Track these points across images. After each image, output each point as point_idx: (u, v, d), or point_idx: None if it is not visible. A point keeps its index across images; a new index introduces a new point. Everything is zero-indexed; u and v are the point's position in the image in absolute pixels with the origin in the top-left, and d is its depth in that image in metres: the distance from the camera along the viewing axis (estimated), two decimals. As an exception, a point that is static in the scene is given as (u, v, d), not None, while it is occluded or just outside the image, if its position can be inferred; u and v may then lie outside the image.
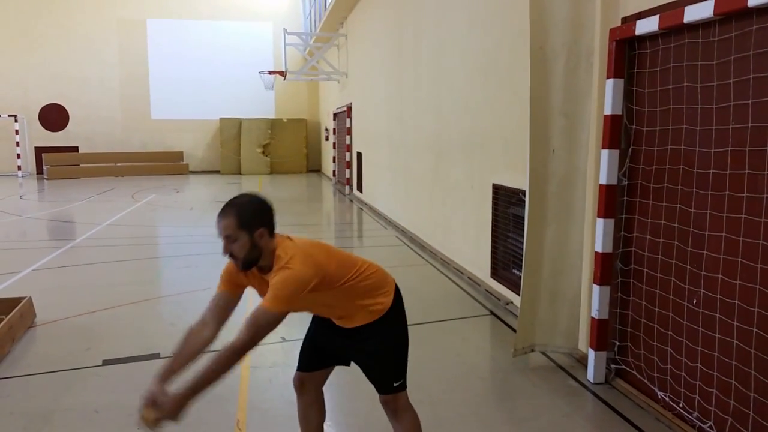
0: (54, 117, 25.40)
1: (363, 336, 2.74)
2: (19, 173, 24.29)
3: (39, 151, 24.93)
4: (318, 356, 2.92)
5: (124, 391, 4.26)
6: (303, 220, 12.87)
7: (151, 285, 7.48)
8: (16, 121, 24.19)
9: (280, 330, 5.79)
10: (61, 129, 25.54)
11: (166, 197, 17.12)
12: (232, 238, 2.38)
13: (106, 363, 4.76)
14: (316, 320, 2.92)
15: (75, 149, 25.44)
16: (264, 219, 2.45)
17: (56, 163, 23.80)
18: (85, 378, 4.50)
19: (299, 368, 2.96)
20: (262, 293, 2.50)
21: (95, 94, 25.54)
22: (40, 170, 24.64)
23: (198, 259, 8.74)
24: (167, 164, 25.52)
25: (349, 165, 17.64)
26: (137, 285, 7.28)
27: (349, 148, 17.56)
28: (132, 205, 15.19)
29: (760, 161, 3.05)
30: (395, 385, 2.77)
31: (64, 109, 25.44)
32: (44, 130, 25.34)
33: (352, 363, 2.94)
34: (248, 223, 2.40)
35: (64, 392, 4.24)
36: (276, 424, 3.81)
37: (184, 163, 25.98)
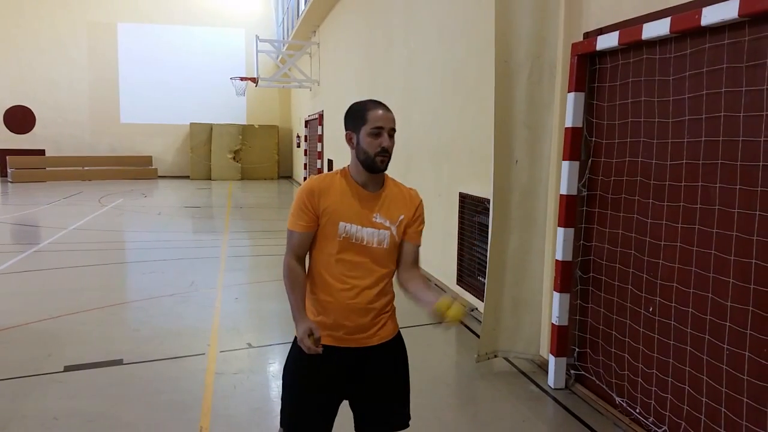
0: (20, 119, 24.87)
1: (394, 353, 2.48)
2: (-18, 176, 23.76)
3: (3, 153, 24.37)
4: (330, 414, 2.44)
5: (86, 397, 4.22)
6: (272, 227, 12.81)
7: (116, 290, 7.38)
8: (-21, 122, 23.67)
9: (247, 336, 5.78)
10: (27, 131, 25.02)
11: (134, 202, 16.90)
12: (394, 133, 2.32)
13: (67, 369, 4.70)
14: (318, 371, 2.36)
15: (41, 152, 24.95)
16: None
17: (21, 166, 23.30)
18: (46, 384, 4.44)
19: None
20: (351, 212, 2.32)
21: (63, 97, 25.10)
22: (4, 173, 24.10)
23: (164, 264, 8.65)
24: (136, 169, 25.19)
25: (320, 172, 17.64)
26: (102, 290, 7.18)
27: (320, 155, 17.58)
28: (99, 209, 14.96)
29: (712, 174, 3.17)
30: (406, 412, 2.51)
31: (31, 111, 24.95)
32: (9, 132, 24.81)
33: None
34: None
35: (23, 399, 4.17)
36: (240, 430, 3.80)
37: (153, 167, 25.67)
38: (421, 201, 2.47)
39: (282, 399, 2.46)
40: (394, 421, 2.47)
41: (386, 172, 2.40)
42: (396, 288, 2.49)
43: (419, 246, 2.44)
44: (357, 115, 2.32)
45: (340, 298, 2.31)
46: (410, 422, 2.50)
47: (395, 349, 2.49)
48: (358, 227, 2.30)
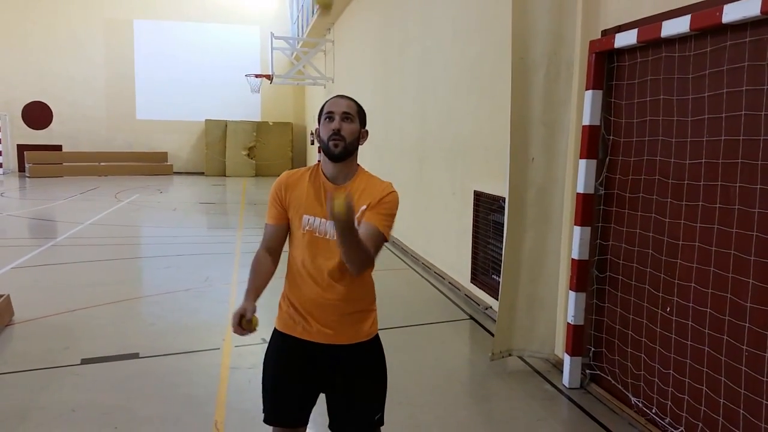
0: (37, 115, 25.16)
1: (367, 356, 2.44)
2: (1, 171, 24.03)
3: (21, 148, 24.67)
4: (307, 403, 2.47)
5: (102, 390, 4.27)
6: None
7: (131, 285, 7.44)
8: (-2, 118, 23.98)
9: (261, 331, 5.82)
10: (45, 127, 25.31)
11: (150, 197, 17.02)
12: (350, 119, 2.31)
13: (84, 362, 4.74)
14: (293, 362, 2.42)
15: (58, 148, 25.22)
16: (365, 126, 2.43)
17: (39, 162, 23.58)
18: (63, 377, 4.49)
19: (285, 424, 2.49)
20: (315, 205, 2.32)
21: (80, 93, 25.36)
22: (22, 168, 24.40)
23: (180, 260, 8.71)
24: (151, 165, 25.39)
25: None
26: (118, 285, 7.24)
27: (334, 152, 17.57)
28: (115, 204, 15.09)
29: (732, 173, 3.13)
30: (377, 417, 2.47)
31: (48, 107, 25.23)
32: (27, 127, 25.10)
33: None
34: (362, 116, 2.38)
35: (41, 391, 4.22)
36: (254, 424, 3.81)
37: (168, 164, 25.85)
38: (392, 192, 2.33)
39: (262, 388, 2.51)
40: (361, 424, 2.45)
41: (376, 165, 2.38)
42: (387, 290, 2.48)
43: (377, 230, 2.24)
44: (319, 113, 2.39)
45: (308, 292, 2.33)
46: (405, 424, 2.46)
47: (368, 352, 2.45)
48: (321, 220, 2.31)
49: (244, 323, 2.21)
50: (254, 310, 2.24)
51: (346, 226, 2.02)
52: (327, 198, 2.09)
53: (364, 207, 2.28)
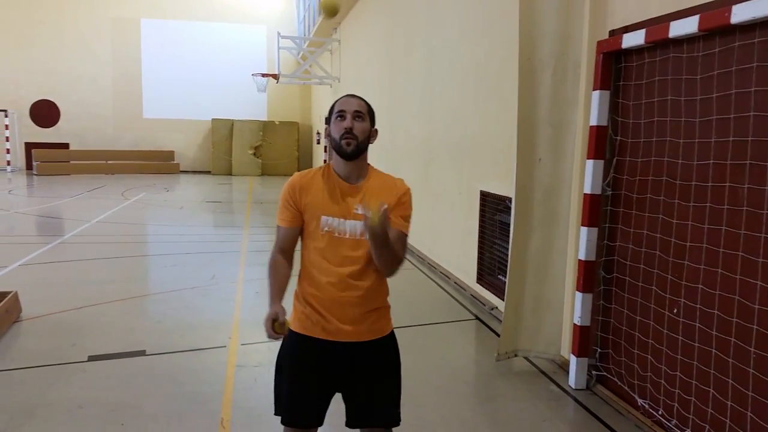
0: (45, 113, 25.29)
1: (384, 352, 2.46)
2: (8, 168, 24.16)
3: (29, 146, 24.79)
4: (324, 404, 2.48)
5: (109, 387, 4.28)
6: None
7: (138, 282, 7.47)
8: (6, 116, 24.06)
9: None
10: (52, 125, 25.43)
11: (156, 196, 17.08)
12: (361, 117, 2.33)
13: (91, 359, 4.77)
14: (311, 364, 2.42)
15: (66, 146, 25.33)
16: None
17: (46, 159, 23.68)
18: (70, 373, 4.51)
19: (301, 426, 2.49)
20: (332, 205, 2.34)
21: (87, 92, 25.47)
22: (29, 166, 24.51)
23: (186, 258, 8.75)
24: (158, 163, 25.48)
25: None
26: (125, 282, 7.28)
27: (340, 152, 17.59)
28: (122, 203, 15.15)
29: (740, 174, 3.12)
30: (397, 411, 2.51)
31: (56, 105, 25.34)
32: (35, 125, 25.22)
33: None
34: (372, 115, 2.40)
35: (49, 387, 4.24)
36: (260, 422, 3.83)
37: (175, 162, 25.93)
38: (408, 190, 2.41)
39: (275, 387, 2.51)
40: (382, 420, 2.47)
41: (382, 165, 2.39)
42: (393, 290, 2.49)
43: (403, 233, 2.35)
44: (329, 112, 2.39)
45: (327, 292, 2.33)
46: (411, 423, 2.48)
47: (386, 348, 2.48)
48: (340, 220, 2.32)
49: (276, 327, 2.21)
50: (285, 313, 2.25)
51: (380, 234, 2.10)
52: (363, 204, 2.16)
53: (386, 206, 2.27)
